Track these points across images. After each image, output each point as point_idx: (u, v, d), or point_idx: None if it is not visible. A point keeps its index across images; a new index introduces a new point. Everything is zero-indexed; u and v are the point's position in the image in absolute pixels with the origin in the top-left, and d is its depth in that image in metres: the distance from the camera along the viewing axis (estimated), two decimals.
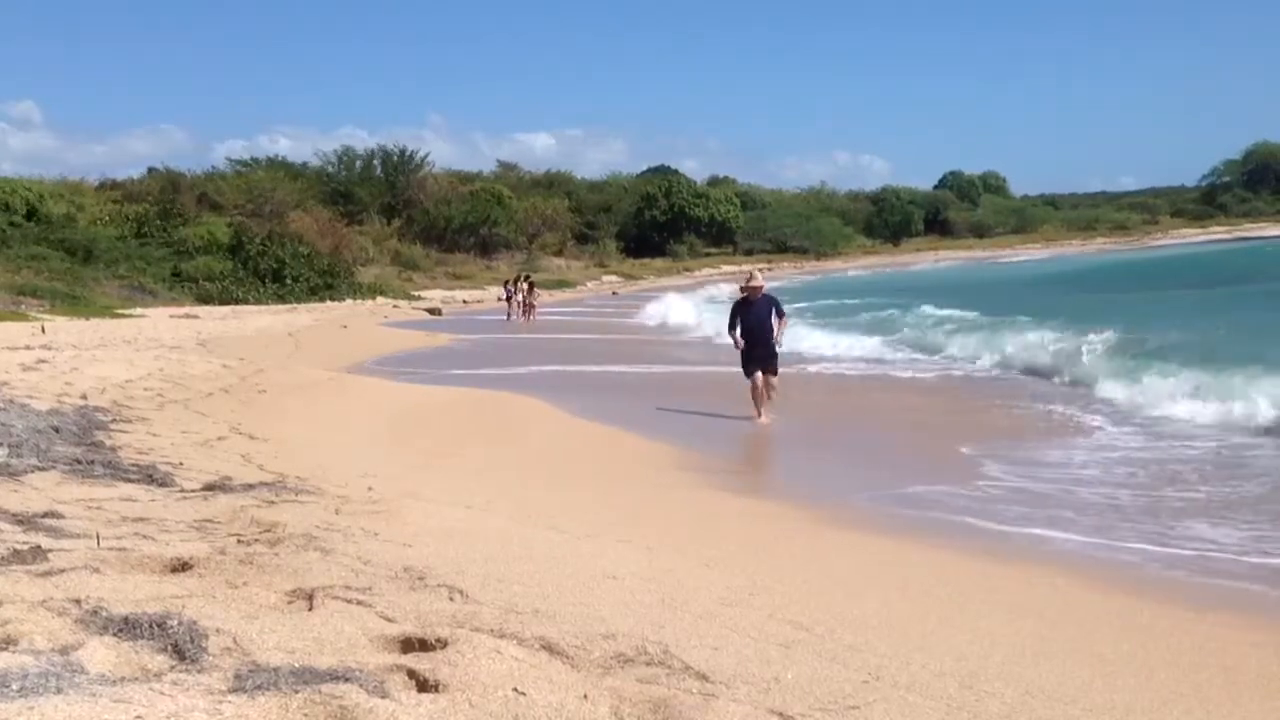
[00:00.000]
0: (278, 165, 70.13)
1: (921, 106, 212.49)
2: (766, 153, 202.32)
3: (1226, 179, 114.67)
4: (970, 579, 5.60)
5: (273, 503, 5.25)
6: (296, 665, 2.58)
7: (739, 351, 12.26)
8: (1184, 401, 11.64)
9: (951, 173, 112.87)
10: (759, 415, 11.85)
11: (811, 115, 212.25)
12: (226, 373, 14.02)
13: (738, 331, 12.30)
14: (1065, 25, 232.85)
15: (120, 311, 32.50)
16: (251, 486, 5.81)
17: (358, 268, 52.95)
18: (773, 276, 57.25)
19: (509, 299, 37.24)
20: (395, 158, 74.03)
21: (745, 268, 13.54)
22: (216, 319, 31.30)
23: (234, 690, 2.36)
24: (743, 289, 12.65)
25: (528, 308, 36.17)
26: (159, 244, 47.15)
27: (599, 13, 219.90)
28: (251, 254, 46.29)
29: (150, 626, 2.70)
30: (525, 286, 37.33)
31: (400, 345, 24.77)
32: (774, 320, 12.20)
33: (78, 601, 2.88)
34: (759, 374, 12.01)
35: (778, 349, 12.41)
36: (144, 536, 4.08)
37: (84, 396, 9.91)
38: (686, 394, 14.64)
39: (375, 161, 73.50)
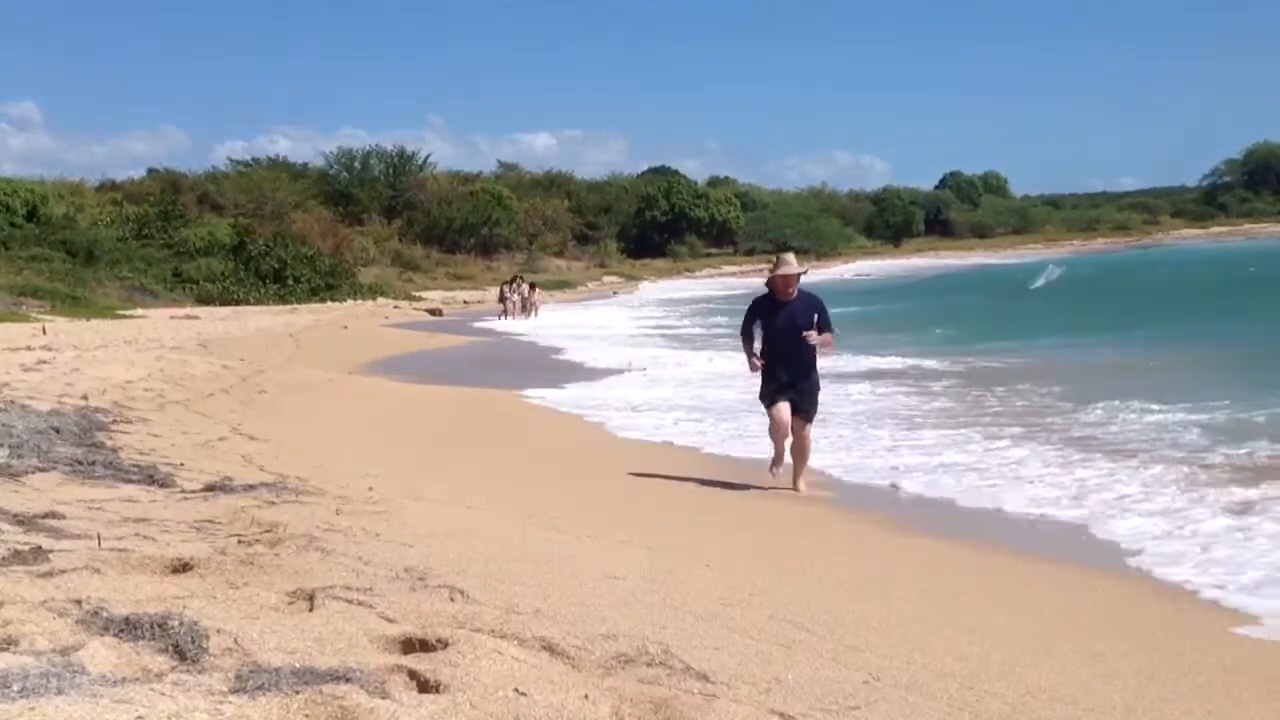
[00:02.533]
0: (279, 166, 70.18)
1: (922, 107, 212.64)
2: (767, 153, 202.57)
3: (1227, 179, 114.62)
4: (971, 578, 5.60)
5: (273, 503, 5.25)
6: (297, 666, 2.58)
7: (759, 371, 8.25)
8: None
9: (952, 173, 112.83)
10: (777, 468, 8.25)
11: (811, 115, 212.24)
12: (227, 373, 14.02)
13: (757, 344, 8.17)
14: (1066, 25, 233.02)
15: (121, 312, 32.52)
16: (252, 487, 5.81)
17: (359, 268, 52.98)
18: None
19: (503, 300, 38.95)
20: (396, 158, 74.13)
21: (788, 258, 8.45)
22: (217, 320, 31.31)
23: (235, 690, 2.36)
24: (770, 283, 8.33)
25: (530, 306, 38.21)
26: (160, 245, 47.19)
27: (599, 13, 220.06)
28: (254, 255, 46.32)
29: (151, 627, 2.70)
30: (525, 288, 39.64)
31: (401, 346, 24.78)
32: (814, 332, 8.12)
33: (79, 602, 2.88)
34: (786, 406, 8.12)
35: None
36: (145, 537, 4.08)
37: (85, 397, 9.92)
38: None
39: (374, 162, 73.56)
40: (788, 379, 8.11)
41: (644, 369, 18.25)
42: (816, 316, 8.15)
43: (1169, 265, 50.36)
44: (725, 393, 14.02)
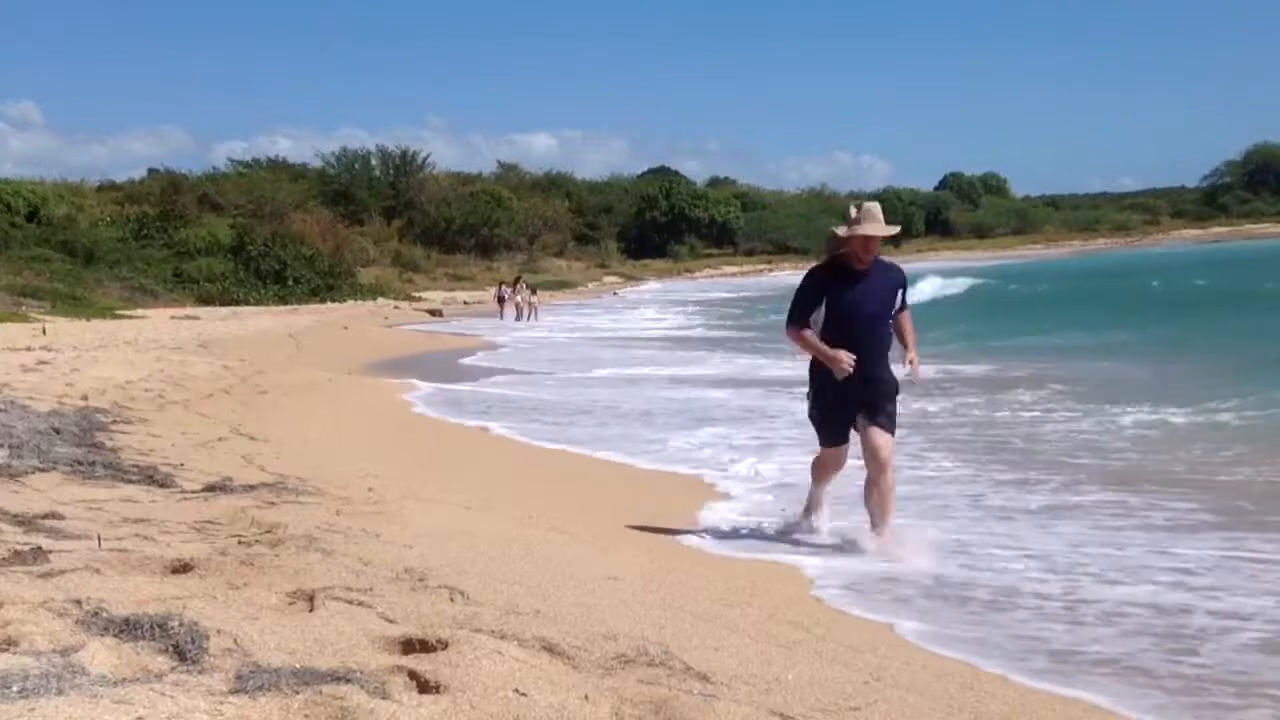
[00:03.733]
0: (279, 166, 70.21)
1: (922, 107, 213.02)
2: (767, 154, 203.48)
3: (1227, 179, 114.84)
4: None
5: (273, 504, 5.25)
6: (297, 666, 2.58)
7: (814, 385, 5.90)
8: None
9: (952, 174, 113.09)
10: (814, 518, 5.99)
11: (812, 116, 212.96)
12: (227, 373, 14.02)
13: (812, 334, 5.77)
14: (1065, 26, 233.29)
15: (121, 312, 32.51)
16: (252, 487, 5.81)
17: (358, 269, 53.01)
18: (775, 276, 56.89)
19: (501, 300, 39.38)
20: (396, 159, 74.16)
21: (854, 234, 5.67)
22: (217, 320, 31.31)
23: (235, 691, 2.36)
24: (831, 250, 5.89)
25: (529, 307, 38.03)
26: (160, 245, 47.22)
27: (599, 13, 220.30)
28: (254, 255, 46.34)
29: (151, 627, 2.70)
30: (525, 290, 39.62)
31: (401, 346, 24.79)
32: (894, 314, 5.84)
33: (79, 602, 2.88)
34: (846, 448, 5.93)
35: (903, 375, 5.86)
36: (145, 538, 4.08)
37: (85, 397, 9.91)
38: None
39: (374, 162, 73.59)
40: (857, 389, 5.67)
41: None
42: (900, 294, 5.85)
43: (1096, 276, 48.42)
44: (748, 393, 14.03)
